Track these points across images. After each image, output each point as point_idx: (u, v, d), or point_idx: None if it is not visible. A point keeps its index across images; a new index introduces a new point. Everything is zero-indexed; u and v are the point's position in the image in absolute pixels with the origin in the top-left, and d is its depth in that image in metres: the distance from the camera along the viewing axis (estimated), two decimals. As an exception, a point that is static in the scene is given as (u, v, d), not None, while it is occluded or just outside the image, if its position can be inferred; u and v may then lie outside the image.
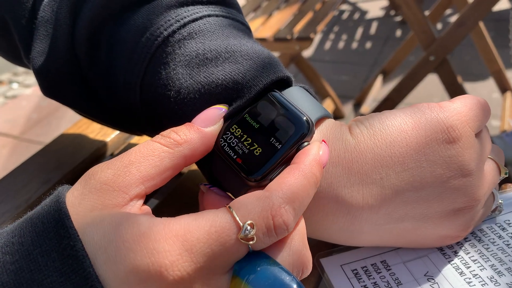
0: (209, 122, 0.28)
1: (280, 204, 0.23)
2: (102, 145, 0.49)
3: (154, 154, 0.25)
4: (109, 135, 0.50)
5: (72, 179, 0.45)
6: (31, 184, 0.43)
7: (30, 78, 2.26)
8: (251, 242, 0.22)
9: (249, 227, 0.22)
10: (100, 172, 0.24)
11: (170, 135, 0.26)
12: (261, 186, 0.27)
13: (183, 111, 0.30)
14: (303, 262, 0.25)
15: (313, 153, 0.26)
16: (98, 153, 0.48)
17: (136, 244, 0.21)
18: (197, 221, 0.22)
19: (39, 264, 0.21)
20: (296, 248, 0.24)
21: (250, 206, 0.23)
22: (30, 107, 2.05)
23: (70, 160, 0.46)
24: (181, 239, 0.21)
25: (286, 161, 0.27)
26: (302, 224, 0.26)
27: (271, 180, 0.27)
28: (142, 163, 0.24)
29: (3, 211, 0.41)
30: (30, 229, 0.22)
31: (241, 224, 0.22)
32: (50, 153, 0.48)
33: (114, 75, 0.33)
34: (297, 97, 0.29)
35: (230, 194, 0.29)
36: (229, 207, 0.23)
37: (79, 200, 0.23)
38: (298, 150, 0.27)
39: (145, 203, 0.25)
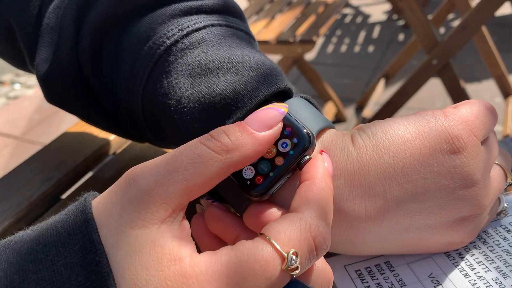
0: (266, 125, 0.25)
1: (316, 223, 0.22)
2: (105, 144, 0.49)
3: (202, 161, 0.22)
4: (112, 133, 0.50)
5: (73, 178, 0.45)
6: (33, 181, 0.43)
7: (32, 79, 2.27)
8: (296, 272, 0.21)
9: (294, 257, 0.21)
10: (141, 178, 0.22)
11: (221, 138, 0.23)
12: (263, 200, 0.27)
13: (182, 120, 0.30)
14: (328, 280, 0.24)
15: (322, 166, 0.26)
16: (100, 152, 0.48)
17: (178, 284, 0.20)
18: (238, 258, 0.21)
19: (62, 276, 0.20)
20: (321, 267, 0.24)
21: (288, 231, 0.22)
22: (31, 108, 2.06)
23: (72, 158, 0.46)
24: (225, 281, 0.20)
25: (287, 174, 0.27)
26: None
27: (272, 194, 0.27)
28: (188, 170, 0.22)
29: (4, 208, 0.40)
30: (55, 238, 0.21)
31: (284, 254, 0.21)
32: (52, 151, 0.48)
33: (116, 83, 0.33)
34: (297, 108, 0.29)
35: (231, 208, 0.29)
36: (266, 236, 0.22)
37: (119, 211, 0.21)
38: (299, 163, 0.27)
39: None
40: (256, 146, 0.24)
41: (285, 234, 0.22)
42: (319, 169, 0.26)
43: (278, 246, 0.21)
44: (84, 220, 0.21)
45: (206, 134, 0.24)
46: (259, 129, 0.24)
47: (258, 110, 0.26)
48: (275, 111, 0.25)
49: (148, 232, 0.21)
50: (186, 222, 0.23)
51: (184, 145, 0.23)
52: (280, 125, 0.25)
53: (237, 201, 0.28)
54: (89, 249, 0.20)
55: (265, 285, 0.21)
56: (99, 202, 0.22)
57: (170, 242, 0.21)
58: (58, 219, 0.22)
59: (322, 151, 0.28)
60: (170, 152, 0.23)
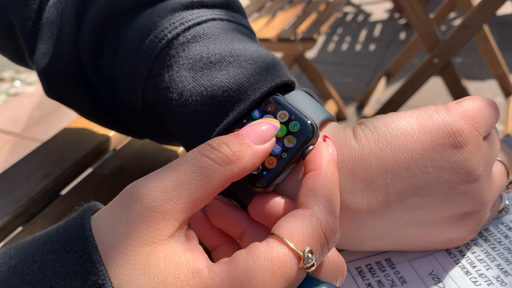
0: (262, 139, 0.24)
1: (326, 218, 0.23)
2: (105, 140, 0.49)
3: (204, 173, 0.22)
4: (112, 130, 0.50)
5: (73, 174, 0.45)
6: (33, 177, 0.43)
7: (32, 76, 2.27)
8: (312, 269, 0.21)
9: (310, 255, 0.21)
10: (147, 195, 0.21)
11: (221, 149, 0.23)
12: (267, 191, 0.27)
13: (184, 113, 0.30)
14: (342, 271, 0.24)
15: (326, 154, 0.26)
16: (100, 148, 0.48)
17: None
18: (257, 263, 0.20)
19: None
20: (333, 259, 0.24)
21: (300, 230, 0.22)
22: (32, 105, 2.06)
23: (72, 155, 0.46)
24: (247, 287, 0.20)
25: (291, 165, 0.27)
26: None
27: (276, 185, 0.27)
28: (192, 183, 0.22)
29: (4, 204, 0.40)
30: (53, 257, 0.19)
31: (300, 253, 0.21)
32: (52, 147, 0.48)
33: (117, 77, 0.33)
34: (300, 100, 0.29)
35: (234, 202, 0.28)
36: (279, 236, 0.21)
37: (126, 230, 0.20)
38: (303, 154, 0.27)
39: None
40: (254, 158, 0.24)
41: (298, 233, 0.22)
42: (324, 157, 0.25)
43: (293, 246, 0.21)
44: (82, 237, 0.20)
45: (205, 145, 0.23)
46: (256, 141, 0.24)
47: (252, 123, 0.25)
48: (269, 125, 0.25)
49: (159, 249, 0.20)
50: (191, 232, 0.23)
51: (184, 156, 0.23)
52: (274, 140, 0.25)
53: (241, 193, 0.27)
54: (90, 270, 0.19)
55: (284, 286, 0.21)
56: (100, 223, 0.21)
57: (183, 256, 0.21)
58: (54, 233, 0.20)
59: (326, 137, 0.28)
60: (169, 165, 0.23)
